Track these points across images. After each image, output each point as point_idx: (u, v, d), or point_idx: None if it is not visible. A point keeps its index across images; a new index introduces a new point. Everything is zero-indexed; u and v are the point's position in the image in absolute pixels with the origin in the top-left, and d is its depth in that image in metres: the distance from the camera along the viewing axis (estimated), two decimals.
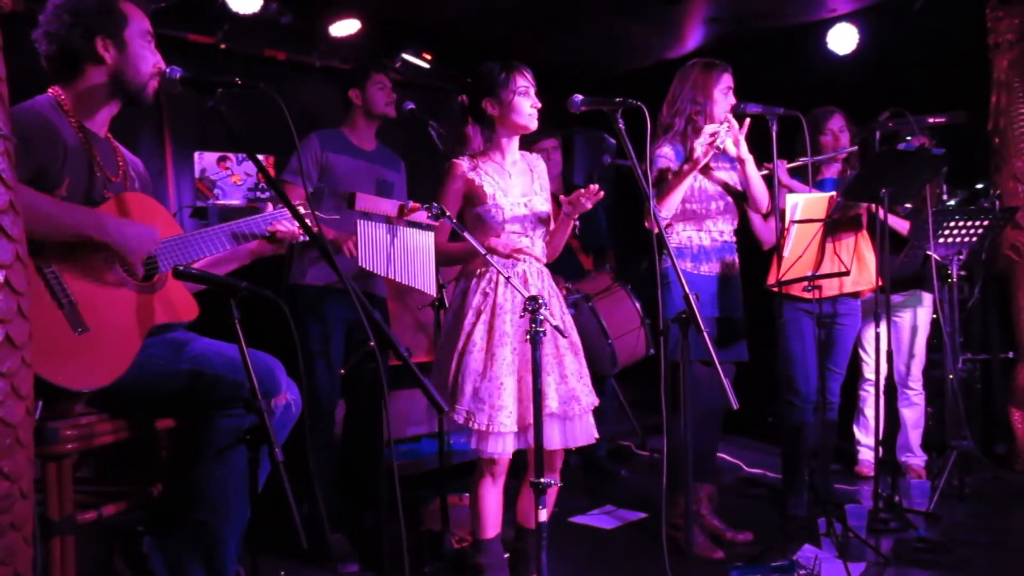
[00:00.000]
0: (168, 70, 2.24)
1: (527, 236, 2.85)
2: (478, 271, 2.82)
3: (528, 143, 3.18)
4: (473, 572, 2.83)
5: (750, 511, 3.96)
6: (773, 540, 3.37)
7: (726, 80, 3.38)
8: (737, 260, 3.54)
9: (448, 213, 2.61)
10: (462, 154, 2.89)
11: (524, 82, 2.80)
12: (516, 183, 2.88)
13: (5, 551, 1.36)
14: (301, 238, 2.48)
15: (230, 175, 4.27)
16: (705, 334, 2.42)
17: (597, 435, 2.87)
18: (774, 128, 3.36)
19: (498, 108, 2.81)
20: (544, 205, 2.90)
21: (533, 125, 2.84)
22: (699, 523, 3.45)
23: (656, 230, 2.62)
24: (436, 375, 2.84)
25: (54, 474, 2.02)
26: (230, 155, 4.26)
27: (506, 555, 3.08)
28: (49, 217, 1.99)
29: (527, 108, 2.80)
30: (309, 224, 2.14)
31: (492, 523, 2.83)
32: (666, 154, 3.35)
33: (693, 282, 3.31)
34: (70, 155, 2.13)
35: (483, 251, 2.61)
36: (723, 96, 3.37)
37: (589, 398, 2.85)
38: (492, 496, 2.81)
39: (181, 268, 2.09)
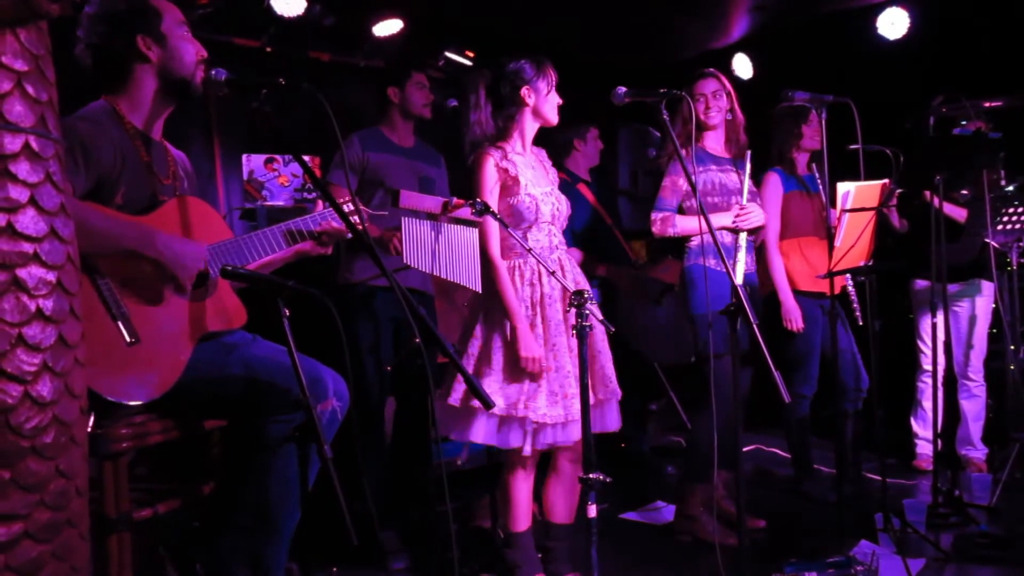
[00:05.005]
0: (213, 72, 2.26)
1: (555, 225, 2.87)
2: (513, 263, 2.81)
3: (565, 129, 3.22)
4: (507, 569, 2.85)
5: (801, 505, 3.92)
6: (829, 535, 3.31)
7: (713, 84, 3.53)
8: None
9: (492, 208, 2.61)
10: (487, 144, 2.85)
11: (554, 77, 2.86)
12: (539, 174, 2.90)
13: (62, 547, 1.38)
14: (348, 235, 2.47)
15: (277, 176, 4.31)
16: (755, 326, 2.40)
17: (614, 426, 2.91)
18: (823, 116, 3.31)
19: (535, 98, 2.83)
20: (561, 196, 2.93)
21: (556, 119, 2.90)
22: (716, 509, 3.51)
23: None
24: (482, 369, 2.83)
25: (111, 472, 2.05)
26: (277, 157, 4.31)
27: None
28: (102, 234, 2.01)
29: (555, 102, 2.87)
30: (355, 223, 2.14)
31: (525, 515, 2.86)
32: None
33: (721, 280, 3.30)
34: (127, 162, 2.16)
35: (527, 246, 2.60)
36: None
37: (614, 384, 2.89)
38: (525, 488, 2.84)
39: (229, 268, 2.10)
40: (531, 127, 2.89)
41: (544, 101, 2.84)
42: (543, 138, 3.02)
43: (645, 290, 3.61)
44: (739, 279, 3.36)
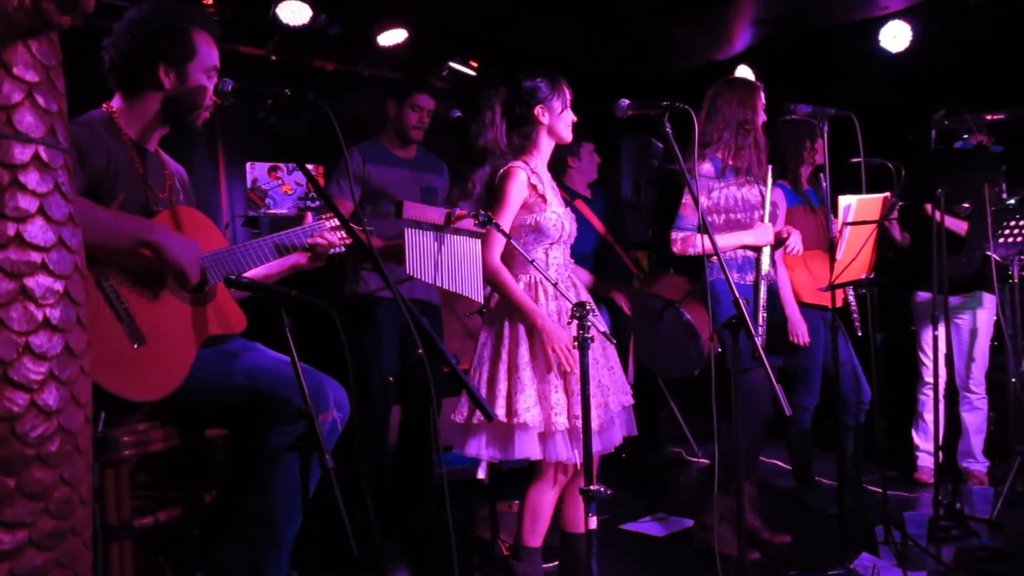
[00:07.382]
0: (220, 82, 2.27)
1: (568, 244, 2.88)
2: (519, 277, 2.81)
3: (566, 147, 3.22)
4: None
5: (802, 517, 3.92)
6: (829, 548, 3.31)
7: (762, 98, 3.47)
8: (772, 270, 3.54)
9: (496, 221, 2.62)
10: (514, 158, 2.83)
11: (569, 95, 2.85)
12: (556, 193, 2.90)
13: (66, 555, 1.39)
14: (338, 249, 2.48)
15: (281, 185, 4.33)
16: (757, 339, 2.41)
17: (636, 431, 2.91)
18: (825, 129, 3.32)
19: (548, 117, 2.82)
20: (570, 215, 2.91)
21: (570, 137, 2.89)
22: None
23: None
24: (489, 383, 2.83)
25: (112, 480, 2.06)
26: (281, 165, 4.32)
27: (553, 563, 3.07)
28: (105, 227, 2.01)
29: (569, 120, 2.85)
30: (357, 233, 2.15)
31: (542, 531, 2.84)
32: (706, 172, 3.35)
33: (740, 292, 3.28)
34: (121, 172, 2.17)
35: (529, 258, 2.61)
36: (762, 112, 3.45)
37: (625, 396, 2.89)
38: (550, 502, 2.82)
39: (233, 277, 2.11)
40: (547, 145, 2.88)
41: (558, 120, 2.82)
42: None
43: (647, 308, 3.58)
44: (763, 295, 3.36)
